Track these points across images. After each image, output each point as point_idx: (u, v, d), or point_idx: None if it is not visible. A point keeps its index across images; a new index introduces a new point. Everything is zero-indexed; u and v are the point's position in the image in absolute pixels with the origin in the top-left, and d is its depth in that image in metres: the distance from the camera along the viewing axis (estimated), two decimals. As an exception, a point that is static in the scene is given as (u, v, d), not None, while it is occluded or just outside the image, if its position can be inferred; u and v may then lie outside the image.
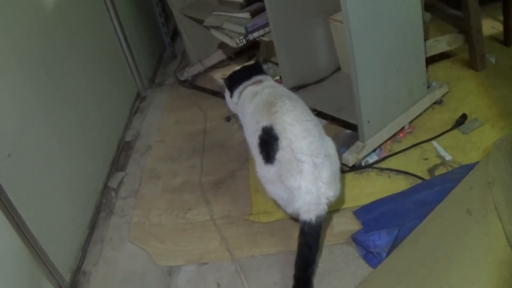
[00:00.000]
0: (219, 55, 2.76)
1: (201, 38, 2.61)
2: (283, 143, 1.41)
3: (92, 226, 1.81)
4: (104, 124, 2.14)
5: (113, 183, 2.02)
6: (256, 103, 1.57)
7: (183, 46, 2.74)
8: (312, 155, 1.40)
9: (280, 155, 1.41)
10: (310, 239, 1.37)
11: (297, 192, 1.40)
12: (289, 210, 1.48)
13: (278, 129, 1.43)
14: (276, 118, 1.45)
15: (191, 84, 2.67)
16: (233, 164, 1.98)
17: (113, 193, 1.97)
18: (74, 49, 1.96)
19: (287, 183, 1.41)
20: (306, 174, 1.39)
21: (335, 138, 1.77)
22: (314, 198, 1.39)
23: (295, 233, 1.50)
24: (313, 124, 1.48)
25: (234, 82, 1.74)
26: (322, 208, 1.40)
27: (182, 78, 2.69)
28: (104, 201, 1.93)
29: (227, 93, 1.79)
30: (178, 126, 2.36)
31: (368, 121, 1.74)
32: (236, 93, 1.72)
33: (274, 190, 1.51)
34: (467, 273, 1.23)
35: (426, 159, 1.77)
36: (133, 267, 1.62)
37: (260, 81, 1.69)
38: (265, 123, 1.47)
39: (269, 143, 1.44)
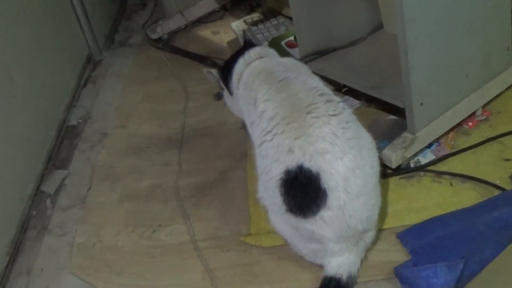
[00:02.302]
0: (208, 4, 2.78)
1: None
2: (333, 202, 1.41)
3: (15, 251, 1.80)
4: (36, 100, 2.14)
5: (49, 187, 2.02)
6: (280, 102, 1.53)
7: (157, -11, 2.78)
8: (362, 218, 1.44)
9: (325, 214, 1.42)
10: None
11: (330, 253, 1.47)
12: (301, 253, 1.57)
13: (329, 183, 1.41)
14: (325, 164, 1.41)
15: (168, 44, 2.71)
16: (225, 162, 1.99)
17: (48, 201, 1.97)
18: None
19: (326, 246, 1.45)
20: (351, 241, 1.46)
21: (372, 127, 1.76)
22: (346, 260, 1.48)
23: (310, 264, 1.55)
24: (370, 166, 1.47)
25: (228, 67, 1.74)
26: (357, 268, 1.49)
27: (155, 36, 2.73)
28: (34, 213, 1.93)
29: (225, 93, 1.80)
30: (147, 105, 2.37)
31: (421, 103, 1.71)
32: (235, 77, 1.70)
33: (286, 231, 1.54)
34: None
35: (507, 160, 1.75)
36: (73, 312, 1.61)
37: (262, 56, 1.70)
38: (306, 162, 1.42)
39: (308, 192, 1.42)
